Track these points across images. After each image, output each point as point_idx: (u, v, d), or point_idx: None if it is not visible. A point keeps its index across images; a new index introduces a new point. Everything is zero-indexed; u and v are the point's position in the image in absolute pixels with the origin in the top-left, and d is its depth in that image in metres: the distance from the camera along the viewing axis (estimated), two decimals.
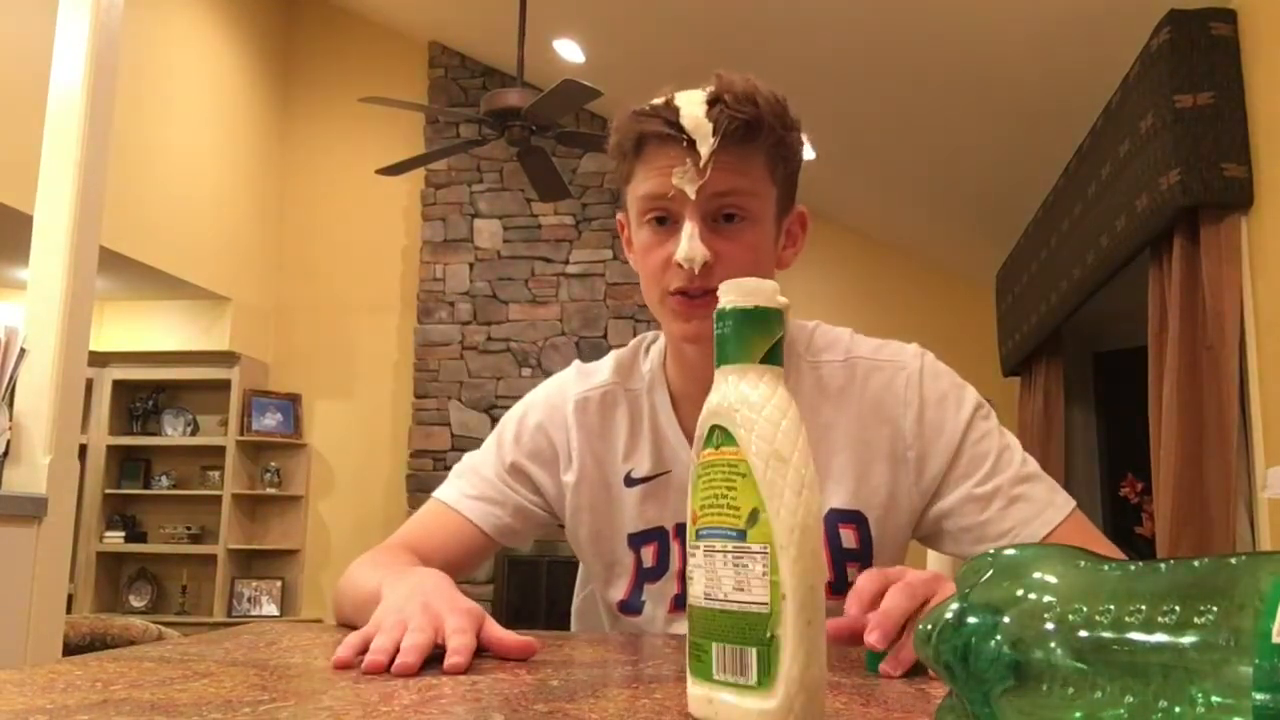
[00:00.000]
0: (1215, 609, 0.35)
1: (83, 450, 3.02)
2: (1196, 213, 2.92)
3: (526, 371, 6.10)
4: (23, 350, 2.28)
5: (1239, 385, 2.82)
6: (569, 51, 5.60)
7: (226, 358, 6.00)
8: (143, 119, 5.22)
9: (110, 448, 5.96)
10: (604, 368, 1.16)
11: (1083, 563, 0.43)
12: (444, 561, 1.05)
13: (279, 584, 6.09)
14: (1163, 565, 0.39)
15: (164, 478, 6.11)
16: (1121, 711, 0.37)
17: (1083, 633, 0.39)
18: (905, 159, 5.28)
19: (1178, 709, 0.35)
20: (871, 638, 0.71)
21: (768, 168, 1.01)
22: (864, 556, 1.05)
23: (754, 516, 0.53)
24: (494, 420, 5.10)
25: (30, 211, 2.39)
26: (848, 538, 1.04)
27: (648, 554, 1.10)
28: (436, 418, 6.16)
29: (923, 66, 4.27)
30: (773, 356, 0.56)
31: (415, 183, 6.29)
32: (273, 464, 6.19)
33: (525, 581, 5.97)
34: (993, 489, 1.01)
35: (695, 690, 0.55)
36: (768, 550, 0.52)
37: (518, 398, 1.22)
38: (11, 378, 2.25)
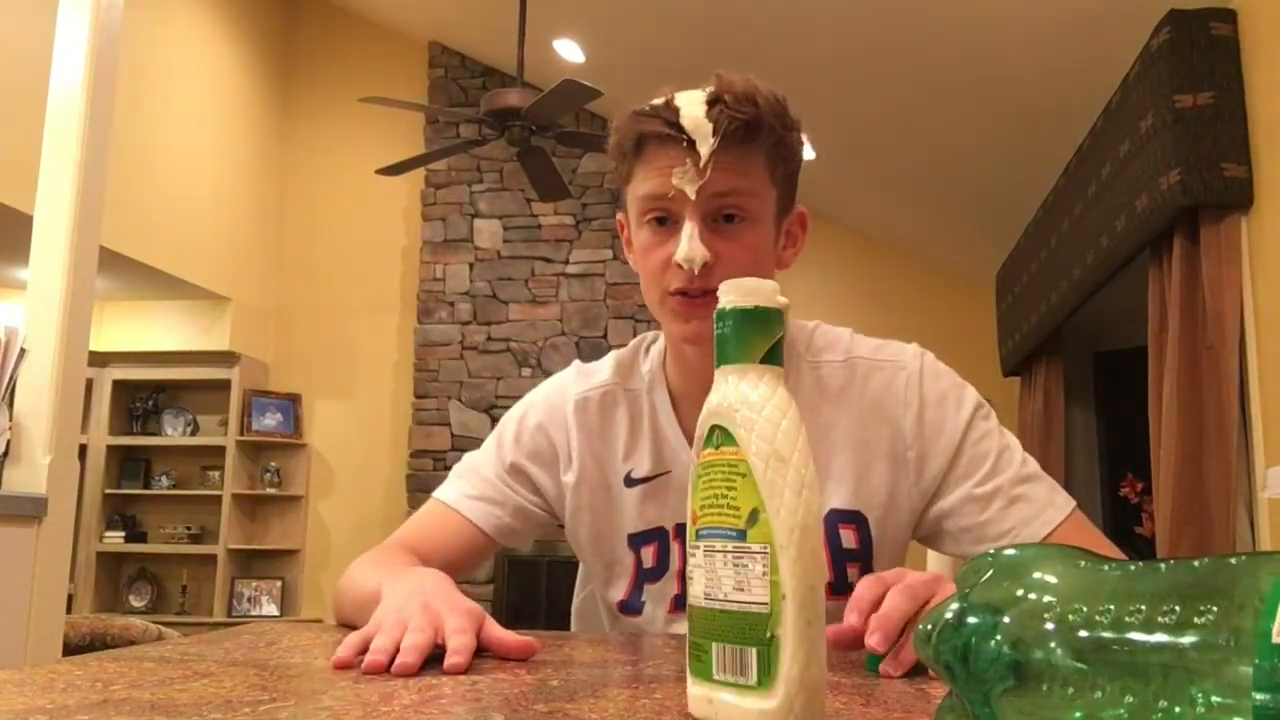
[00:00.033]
0: (1215, 609, 0.35)
1: (83, 450, 3.02)
2: (1196, 213, 2.92)
3: (526, 371, 6.10)
4: (23, 350, 2.28)
5: (1239, 385, 2.82)
6: (569, 51, 5.60)
7: (226, 358, 6.00)
8: (143, 119, 5.22)
9: (110, 448, 5.96)
10: (604, 368, 1.16)
11: (1083, 563, 0.43)
12: (444, 562, 1.05)
13: (279, 584, 6.09)
14: (1163, 565, 0.39)
15: (164, 478, 6.11)
16: (1121, 711, 0.37)
17: (1083, 633, 0.39)
18: (905, 159, 5.28)
19: (1178, 709, 0.35)
20: (872, 640, 0.71)
21: (768, 168, 1.01)
22: (864, 557, 1.05)
23: (754, 516, 0.53)
24: (494, 420, 5.10)
25: (30, 211, 2.39)
26: (848, 538, 1.04)
27: (648, 554, 1.10)
28: (436, 418, 6.16)
29: (923, 66, 4.27)
30: (773, 356, 0.56)
31: (415, 183, 6.29)
32: (273, 464, 6.19)
33: (525, 581, 5.97)
34: (993, 489, 1.01)
35: (695, 690, 0.55)
36: (768, 550, 0.52)
37: (518, 398, 1.22)
38: (11, 378, 2.25)
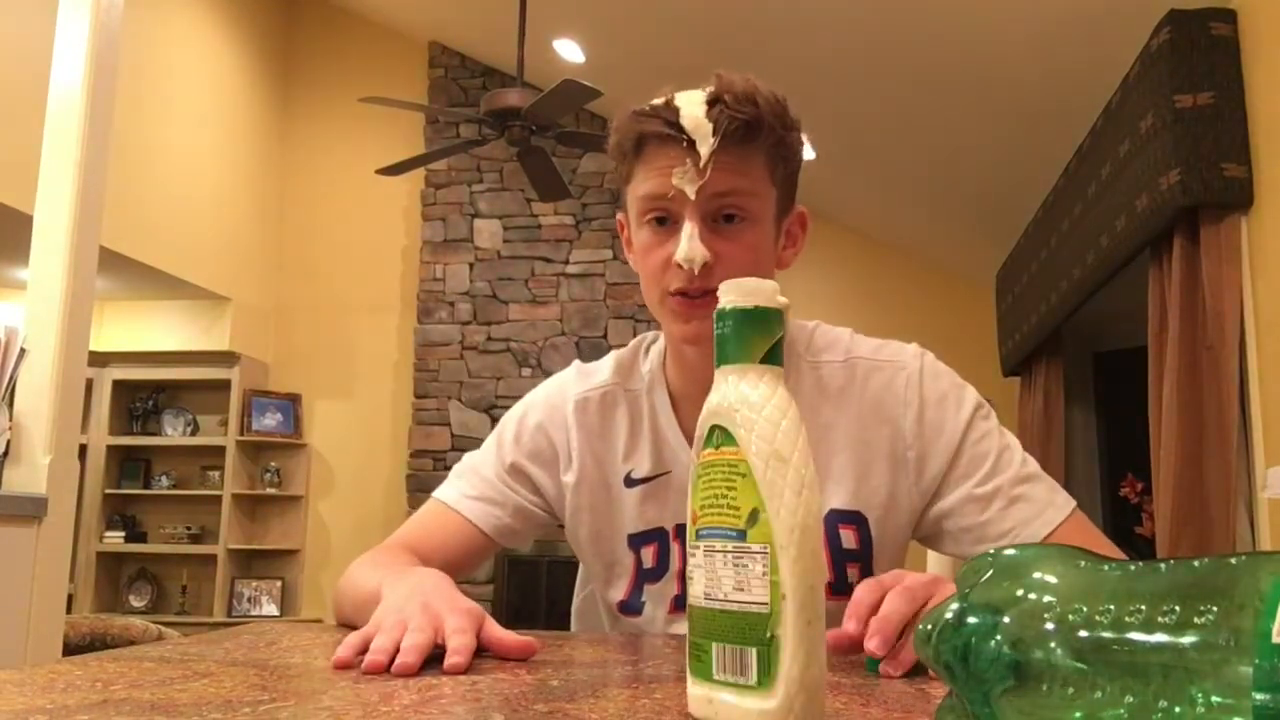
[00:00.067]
0: (1215, 609, 0.35)
1: (83, 450, 3.02)
2: (1196, 213, 2.92)
3: (526, 371, 6.10)
4: (23, 350, 2.28)
5: (1239, 385, 2.82)
6: (569, 51, 5.60)
7: (226, 358, 6.00)
8: (143, 119, 5.22)
9: (110, 448, 5.96)
10: (604, 368, 1.16)
11: (1083, 563, 0.43)
12: (444, 562, 1.05)
13: (279, 584, 6.09)
14: (1163, 565, 0.39)
15: (164, 478, 6.11)
16: (1121, 711, 0.37)
17: (1083, 633, 0.39)
18: (905, 159, 5.28)
19: (1178, 709, 0.35)
20: (871, 644, 0.71)
21: (768, 168, 1.01)
22: (864, 557, 1.05)
23: (754, 516, 0.53)
24: (494, 420, 5.10)
25: (30, 211, 2.39)
26: (848, 538, 1.04)
27: (648, 554, 1.10)
28: (436, 418, 6.16)
29: (923, 66, 4.27)
30: (773, 356, 0.56)
31: (415, 183, 6.29)
32: (273, 464, 6.19)
33: (525, 581, 5.97)
34: (993, 489, 1.01)
35: (695, 690, 0.55)
36: (768, 550, 0.52)
37: (518, 398, 1.22)
38: (11, 378, 2.25)
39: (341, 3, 6.64)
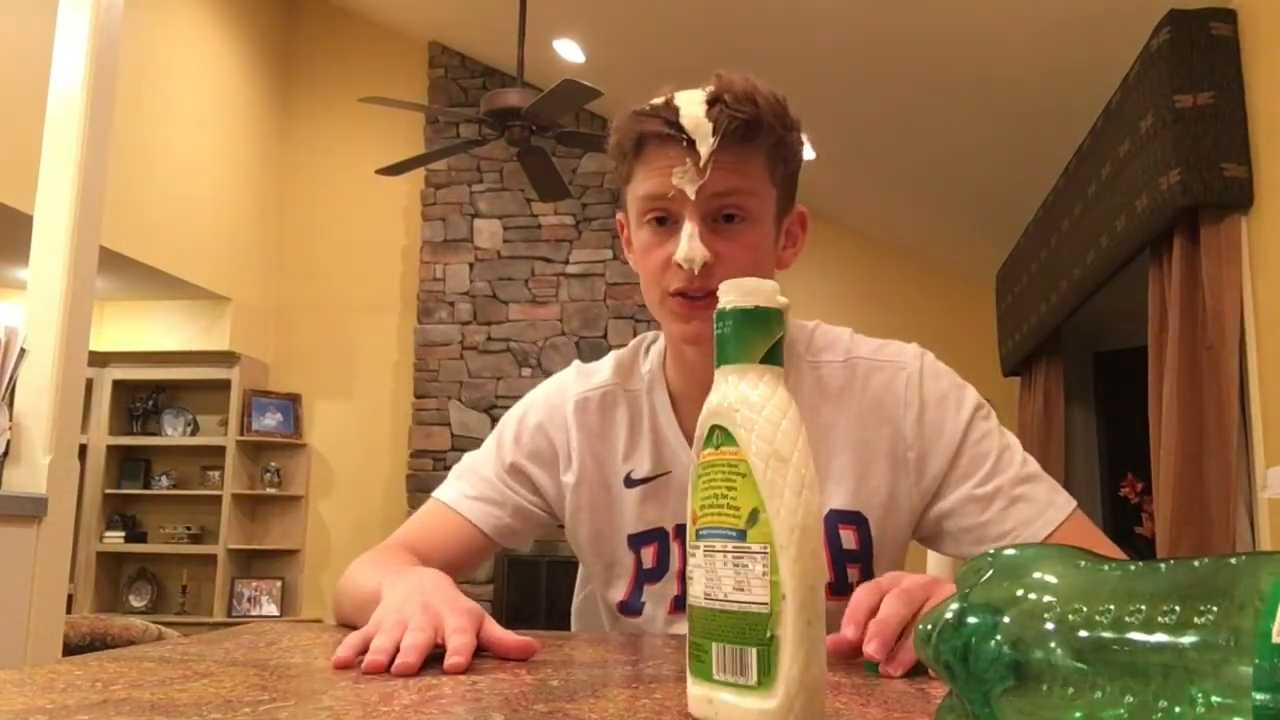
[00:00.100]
0: (1215, 609, 0.35)
1: (83, 450, 3.02)
2: (1196, 213, 2.92)
3: (526, 371, 6.10)
4: (23, 350, 2.28)
5: (1239, 385, 2.82)
6: (569, 51, 5.60)
7: (226, 358, 6.00)
8: (143, 119, 5.22)
9: (110, 448, 5.96)
10: (604, 368, 1.16)
11: (1083, 563, 0.43)
12: (444, 562, 1.05)
13: (279, 584, 6.09)
14: (1163, 565, 0.39)
15: (164, 478, 6.11)
16: (1121, 711, 0.37)
17: (1083, 633, 0.39)
18: (905, 159, 5.28)
19: (1178, 709, 0.35)
20: (870, 648, 0.71)
21: (767, 168, 1.00)
22: (864, 557, 1.05)
23: (754, 516, 0.53)
24: (494, 420, 5.10)
25: (30, 211, 2.39)
26: (848, 538, 1.04)
27: (647, 555, 1.10)
28: (436, 418, 6.16)
29: (923, 66, 4.27)
30: (773, 356, 0.56)
31: (415, 183, 6.29)
32: (273, 464, 6.19)
33: (525, 581, 5.97)
34: (993, 489, 1.01)
35: (695, 690, 0.55)
36: (768, 550, 0.52)
37: (518, 398, 1.22)
38: (11, 378, 2.25)
39: (341, 3, 6.64)
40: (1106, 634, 0.38)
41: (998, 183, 4.97)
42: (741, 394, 0.55)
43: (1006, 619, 0.42)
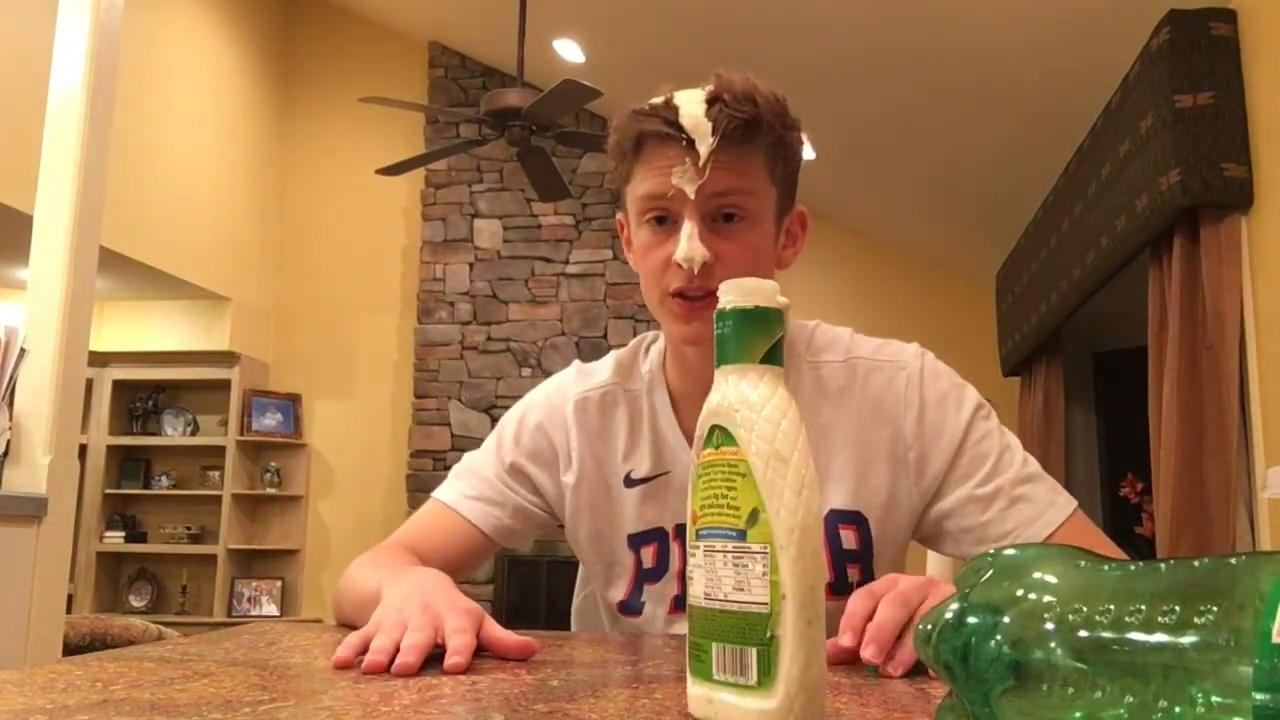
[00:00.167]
0: (1215, 609, 0.35)
1: (83, 450, 3.02)
2: (1196, 213, 2.92)
3: (526, 371, 6.11)
4: (23, 350, 2.28)
5: (1239, 385, 2.82)
6: (569, 51, 5.60)
7: (226, 358, 6.00)
8: (143, 119, 5.22)
9: (110, 448, 5.96)
10: (604, 368, 1.16)
11: (1083, 563, 0.43)
12: (443, 562, 1.05)
13: (279, 584, 6.09)
14: (1163, 565, 0.39)
15: (164, 478, 6.11)
16: (1121, 711, 0.37)
17: (1083, 633, 0.39)
18: (905, 159, 5.28)
19: (1178, 709, 0.35)
20: (867, 652, 0.71)
21: (767, 167, 1.00)
22: (864, 557, 1.04)
23: (754, 516, 0.53)
24: (494, 420, 5.10)
25: (30, 211, 2.39)
26: (848, 538, 1.04)
27: (647, 554, 1.10)
28: (436, 418, 6.16)
29: (923, 66, 4.27)
30: (773, 356, 0.56)
31: (415, 183, 6.29)
32: (273, 464, 6.19)
33: (525, 581, 5.97)
34: (994, 490, 1.01)
35: (695, 690, 0.55)
36: (768, 550, 0.52)
37: (518, 398, 1.22)
38: (11, 378, 2.25)
39: (341, 3, 6.64)
40: (1106, 634, 0.38)
41: (998, 183, 4.97)
42: (741, 394, 0.55)
43: (1006, 619, 0.42)
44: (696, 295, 0.98)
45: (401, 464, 6.22)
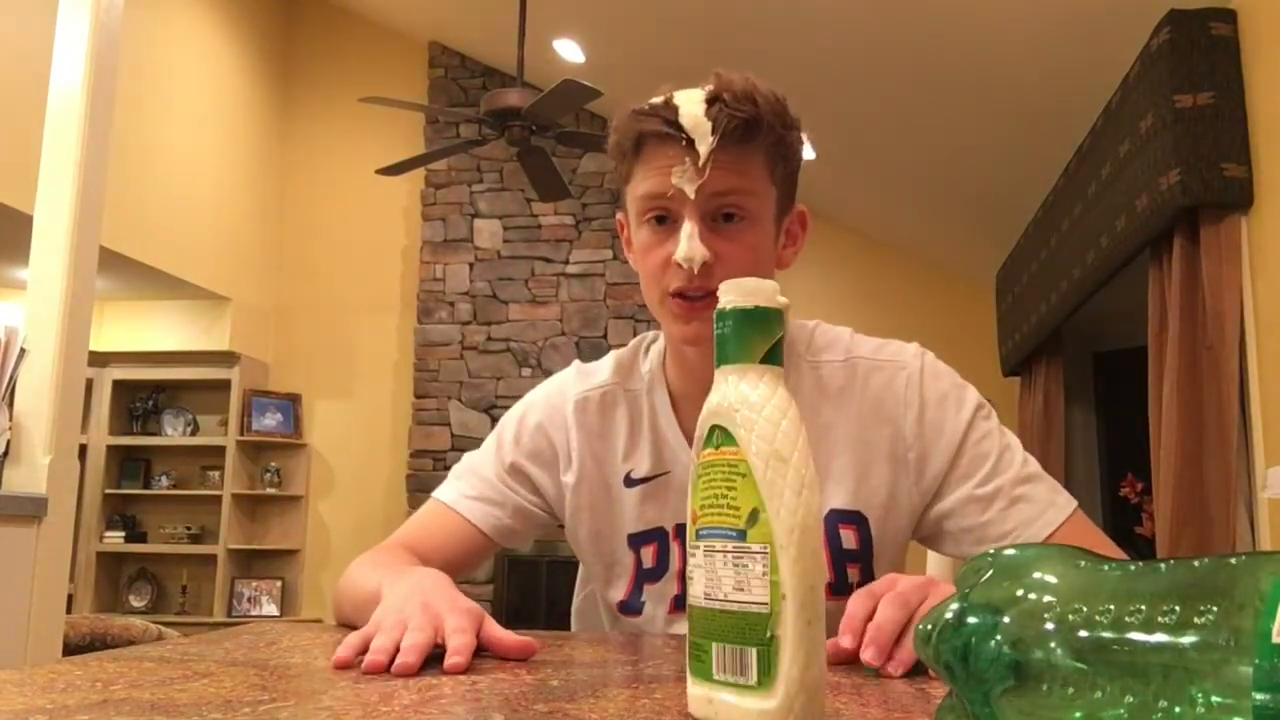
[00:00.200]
0: (1215, 609, 0.35)
1: (83, 450, 3.02)
2: (1196, 213, 2.92)
3: (526, 371, 6.11)
4: (23, 350, 2.28)
5: (1239, 385, 2.82)
6: (569, 51, 5.60)
7: (226, 358, 6.00)
8: (143, 119, 5.22)
9: (110, 448, 5.96)
10: (604, 368, 1.16)
11: (1083, 563, 0.43)
12: (443, 562, 1.05)
13: (279, 584, 6.09)
14: (1163, 565, 0.39)
15: (164, 478, 6.11)
16: (1121, 711, 0.37)
17: (1083, 633, 0.39)
18: (905, 159, 5.28)
19: (1178, 709, 0.35)
20: (866, 654, 0.71)
21: (767, 167, 1.00)
22: (864, 557, 1.04)
23: (754, 516, 0.53)
24: (494, 420, 5.10)
25: (30, 211, 2.39)
26: (848, 538, 1.04)
27: (647, 554, 1.10)
28: (436, 418, 6.16)
29: (923, 66, 4.27)
30: (773, 356, 0.56)
31: (415, 183, 6.29)
32: (273, 464, 6.19)
33: (525, 581, 5.97)
34: (994, 490, 1.01)
35: (695, 690, 0.55)
36: (768, 550, 0.52)
37: (518, 398, 1.22)
38: (11, 378, 2.25)
39: (341, 3, 6.64)
40: (1106, 634, 0.38)
41: (998, 183, 4.97)
42: (741, 394, 0.55)
43: (1006, 619, 0.42)
44: (696, 295, 0.98)
45: (401, 464, 6.22)
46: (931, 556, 1.23)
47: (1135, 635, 0.37)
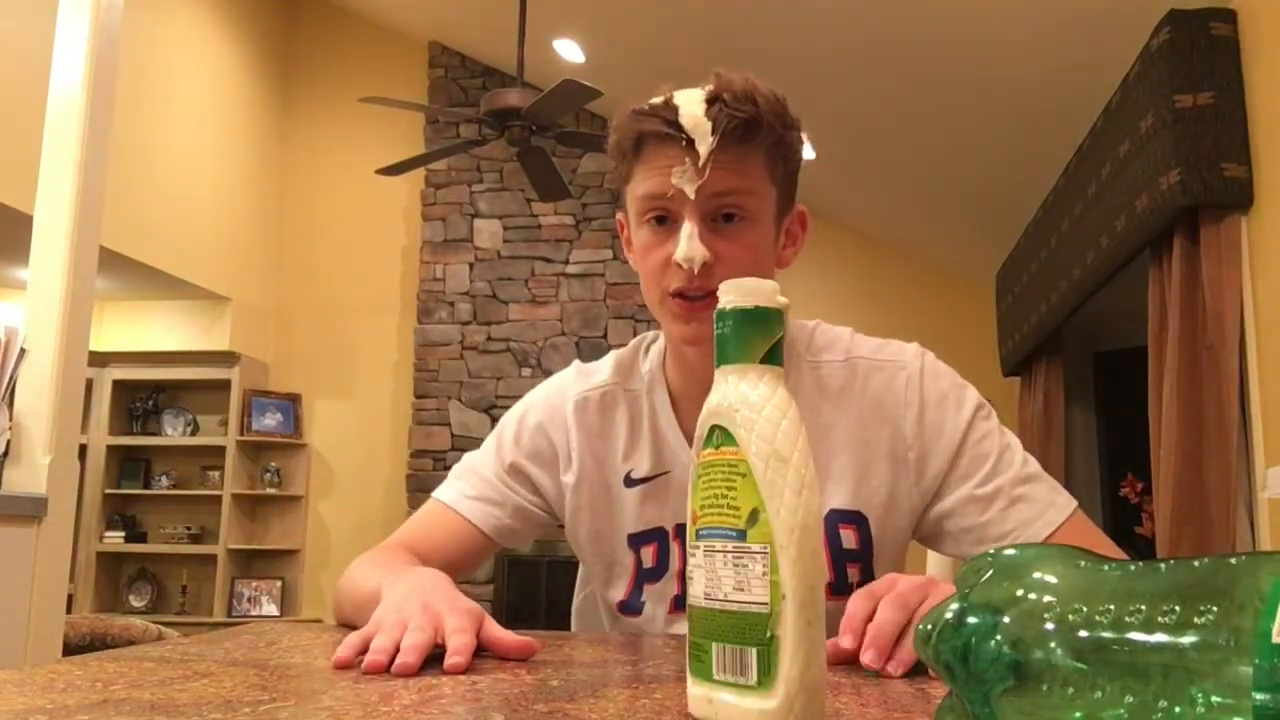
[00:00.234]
0: (1215, 609, 0.35)
1: (83, 450, 3.02)
2: (1196, 213, 2.92)
3: (526, 371, 6.11)
4: (23, 350, 2.28)
5: (1239, 385, 2.82)
6: (569, 51, 5.60)
7: (226, 358, 6.00)
8: (143, 119, 5.22)
9: (110, 448, 5.96)
10: (604, 368, 1.16)
11: (1083, 563, 0.43)
12: (443, 562, 1.05)
13: (279, 584, 6.09)
14: (1163, 565, 0.39)
15: (164, 478, 6.11)
16: (1121, 711, 0.37)
17: (1083, 633, 0.39)
18: (905, 159, 5.28)
19: (1178, 709, 0.35)
20: (866, 656, 0.71)
21: (767, 167, 1.00)
22: (864, 557, 1.04)
23: (754, 516, 0.53)
24: (494, 420, 5.10)
25: (30, 211, 2.39)
26: (848, 538, 1.04)
27: (647, 554, 1.10)
28: (436, 418, 6.16)
29: (923, 66, 4.27)
30: (773, 356, 0.56)
31: (415, 183, 6.29)
32: (273, 464, 6.19)
33: (525, 581, 5.97)
34: (994, 490, 1.01)
35: (695, 690, 0.55)
36: (768, 550, 0.52)
37: (518, 398, 1.22)
38: (11, 378, 2.25)
39: (341, 3, 6.64)
40: (1106, 634, 0.38)
41: (998, 183, 4.97)
42: (741, 394, 0.55)
43: (1006, 619, 0.42)
44: (696, 295, 0.98)
45: (401, 464, 6.22)
46: (931, 556, 1.23)
47: (1135, 635, 0.37)
